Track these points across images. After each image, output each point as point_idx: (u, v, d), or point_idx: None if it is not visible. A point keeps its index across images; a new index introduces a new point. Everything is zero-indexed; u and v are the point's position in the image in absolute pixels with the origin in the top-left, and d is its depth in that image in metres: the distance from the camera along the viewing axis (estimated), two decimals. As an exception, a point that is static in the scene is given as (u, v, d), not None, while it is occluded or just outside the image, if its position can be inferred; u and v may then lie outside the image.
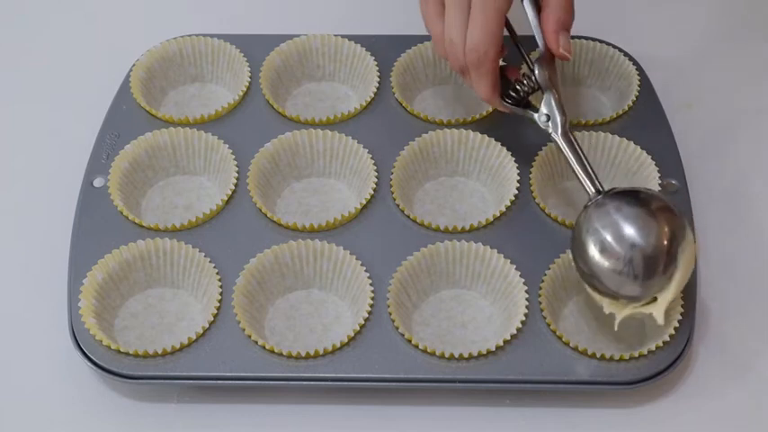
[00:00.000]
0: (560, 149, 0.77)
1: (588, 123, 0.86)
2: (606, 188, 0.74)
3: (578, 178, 0.75)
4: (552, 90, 0.77)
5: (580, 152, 0.76)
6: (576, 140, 0.77)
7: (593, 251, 0.72)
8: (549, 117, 0.77)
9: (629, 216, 0.72)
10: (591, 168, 0.76)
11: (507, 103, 0.79)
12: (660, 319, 0.71)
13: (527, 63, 0.80)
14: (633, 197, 0.73)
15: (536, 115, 0.78)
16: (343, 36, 0.90)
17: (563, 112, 0.77)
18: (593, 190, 0.74)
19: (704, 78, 0.93)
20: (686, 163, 0.84)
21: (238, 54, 0.90)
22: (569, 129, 0.77)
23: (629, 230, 0.71)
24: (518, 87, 0.78)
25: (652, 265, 0.71)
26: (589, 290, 0.73)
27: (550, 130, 0.77)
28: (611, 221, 0.72)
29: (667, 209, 0.72)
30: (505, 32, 0.78)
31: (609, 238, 0.71)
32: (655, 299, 0.72)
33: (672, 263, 0.71)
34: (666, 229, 0.71)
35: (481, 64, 0.76)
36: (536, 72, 0.77)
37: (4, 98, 0.94)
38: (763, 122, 0.90)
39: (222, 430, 0.75)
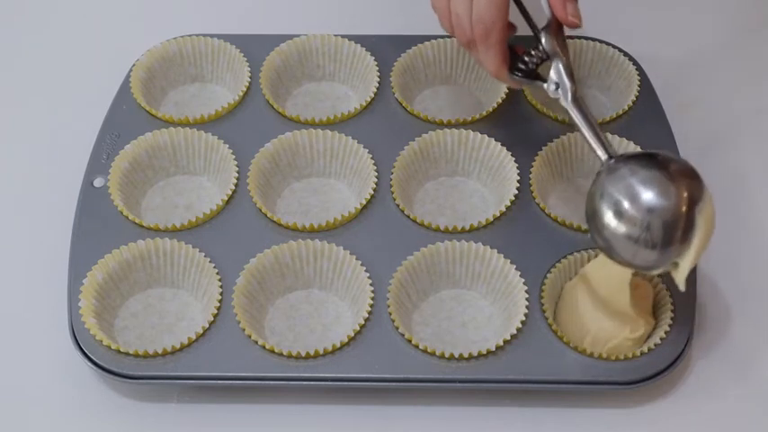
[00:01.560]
0: (570, 116, 0.75)
1: (588, 123, 0.86)
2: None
3: (589, 144, 0.73)
4: (561, 57, 0.76)
5: (591, 118, 0.74)
6: (585, 106, 0.75)
7: (609, 217, 0.69)
8: (558, 85, 0.75)
9: (645, 179, 0.69)
10: (602, 134, 0.73)
11: (517, 76, 0.78)
12: (682, 286, 0.69)
13: (534, 32, 0.78)
14: (648, 160, 0.71)
15: (545, 85, 0.76)
16: (343, 36, 0.90)
17: (572, 79, 0.75)
18: (606, 155, 0.72)
19: (704, 78, 0.93)
20: (686, 163, 0.84)
21: (238, 54, 0.90)
22: (580, 95, 0.75)
23: (646, 194, 0.68)
24: (526, 59, 0.77)
25: (671, 231, 0.68)
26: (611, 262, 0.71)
27: (560, 98, 0.75)
28: (626, 185, 0.69)
29: (684, 170, 0.69)
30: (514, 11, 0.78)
31: (624, 202, 0.69)
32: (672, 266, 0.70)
33: (690, 228, 0.68)
34: (685, 192, 0.68)
35: (488, 35, 0.74)
36: (543, 40, 0.76)
37: (4, 98, 0.94)
38: (763, 122, 0.90)
39: (222, 430, 0.75)
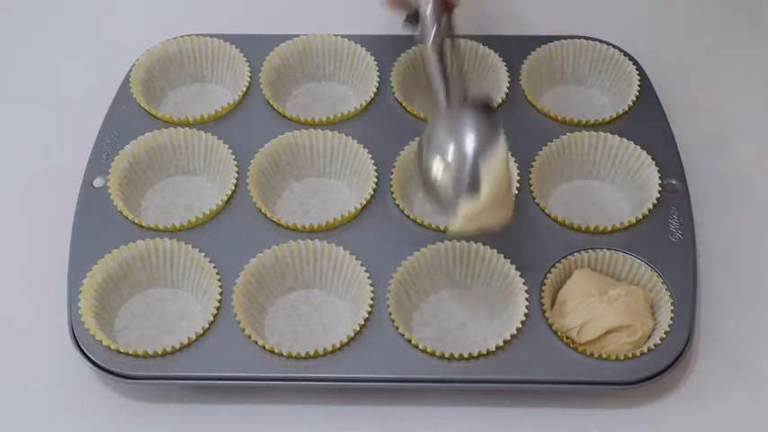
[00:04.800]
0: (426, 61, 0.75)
1: (588, 123, 0.86)
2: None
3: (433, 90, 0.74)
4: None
5: (451, 70, 0.74)
6: (455, 59, 0.76)
7: (430, 154, 0.71)
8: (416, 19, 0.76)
9: (446, 128, 0.71)
10: (458, 86, 0.74)
11: (410, 24, 0.78)
12: (449, 228, 0.71)
13: None
14: (462, 110, 0.72)
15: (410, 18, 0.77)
16: (343, 36, 0.90)
17: (436, 21, 0.75)
18: (445, 104, 0.73)
19: (704, 78, 0.93)
20: (686, 163, 0.84)
21: (238, 54, 0.90)
22: (451, 44, 0.75)
23: (445, 142, 0.70)
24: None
25: (458, 178, 0.70)
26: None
27: (424, 42, 0.75)
28: (431, 134, 0.71)
29: (484, 122, 0.71)
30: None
31: (426, 148, 0.71)
32: None
33: (475, 178, 0.69)
34: (473, 143, 0.70)
35: None
36: None
37: (3, 98, 0.94)
38: (763, 122, 0.90)
39: (222, 430, 0.75)
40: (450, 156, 0.71)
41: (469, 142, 0.70)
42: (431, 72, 0.74)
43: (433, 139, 0.72)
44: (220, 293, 0.77)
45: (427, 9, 0.75)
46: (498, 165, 0.70)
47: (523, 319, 0.75)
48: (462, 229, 0.71)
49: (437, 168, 0.71)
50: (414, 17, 0.78)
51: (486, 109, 0.72)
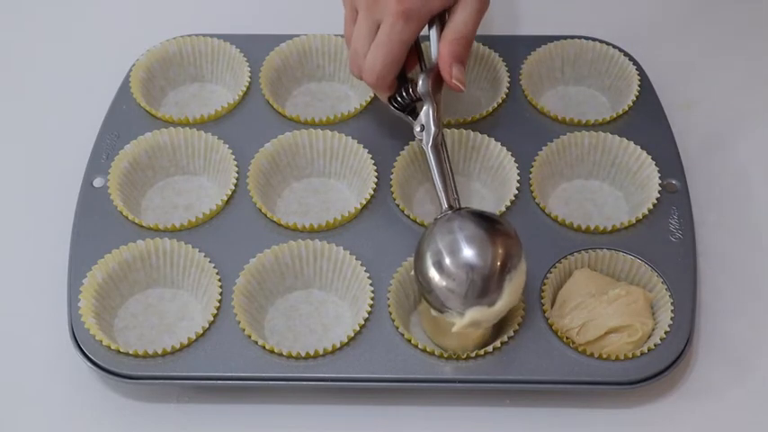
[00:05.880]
0: (427, 160, 0.76)
1: (588, 123, 0.86)
2: (464, 205, 0.75)
3: (436, 192, 0.75)
4: (432, 102, 0.77)
5: (446, 166, 0.76)
6: (445, 155, 0.77)
7: (428, 261, 0.71)
8: (423, 127, 0.77)
9: (469, 236, 0.71)
10: (453, 185, 0.75)
11: (393, 106, 0.79)
12: (455, 328, 0.71)
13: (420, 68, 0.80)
14: (480, 220, 0.72)
15: (414, 123, 0.78)
16: (343, 36, 0.90)
17: (438, 126, 0.77)
18: (446, 205, 0.74)
19: (704, 78, 0.93)
20: (686, 163, 0.84)
21: (238, 54, 0.90)
22: (442, 142, 0.77)
23: (466, 251, 0.71)
24: (404, 95, 0.79)
25: (476, 289, 0.70)
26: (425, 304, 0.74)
27: (423, 141, 0.77)
28: (452, 239, 0.71)
29: (509, 238, 0.72)
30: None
31: (445, 253, 0.71)
32: None
33: (498, 291, 0.70)
34: (500, 258, 0.70)
35: (377, 86, 0.77)
36: (420, 83, 0.77)
37: (3, 98, 0.94)
38: (763, 122, 0.90)
39: (222, 430, 0.75)
40: (466, 260, 0.70)
41: (492, 254, 0.70)
42: (431, 172, 0.76)
43: (441, 236, 0.72)
44: (220, 293, 0.77)
45: (429, 112, 0.77)
46: (519, 284, 0.71)
47: (523, 319, 0.75)
48: (465, 329, 0.71)
49: (448, 269, 0.71)
50: (401, 99, 0.79)
51: (494, 219, 0.73)
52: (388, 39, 0.75)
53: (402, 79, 0.79)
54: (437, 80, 0.77)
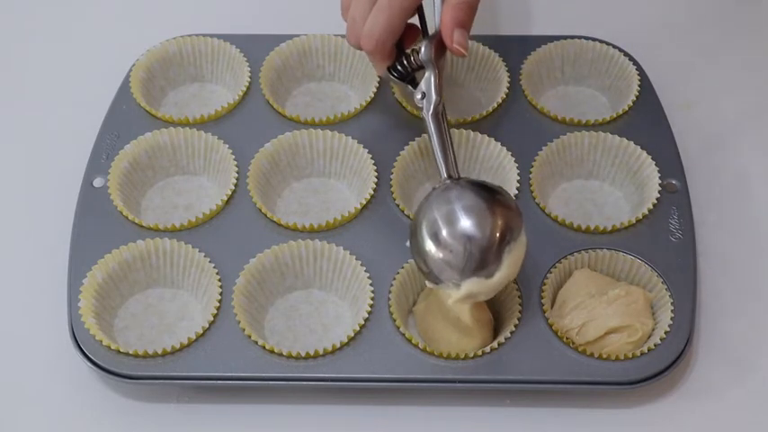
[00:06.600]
0: (426, 129, 0.75)
1: (588, 123, 0.86)
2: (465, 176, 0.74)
3: (435, 161, 0.74)
4: (434, 69, 0.76)
5: (446, 135, 0.75)
6: (445, 124, 0.75)
7: (425, 232, 0.70)
8: (424, 95, 0.76)
9: (466, 207, 0.70)
10: (453, 155, 0.74)
11: (393, 75, 0.79)
12: (451, 301, 0.70)
13: (423, 35, 0.79)
14: (479, 189, 0.71)
15: (415, 91, 0.77)
16: (343, 36, 0.90)
17: (439, 93, 0.76)
18: (445, 175, 0.73)
19: (704, 78, 0.93)
20: (686, 163, 0.84)
21: (238, 54, 0.90)
22: (443, 112, 0.76)
23: (463, 221, 0.70)
24: (405, 63, 0.78)
25: (474, 261, 0.69)
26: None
27: (423, 108, 0.76)
28: (448, 209, 0.70)
29: (510, 209, 0.71)
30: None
31: (441, 224, 0.70)
32: None
33: (497, 262, 0.69)
34: (499, 229, 0.69)
35: (376, 51, 0.76)
36: (422, 50, 0.76)
37: (3, 98, 0.94)
38: (764, 122, 0.90)
39: (222, 430, 0.75)
40: (463, 231, 0.69)
41: (492, 225, 0.69)
42: (431, 141, 0.75)
43: (437, 206, 0.71)
44: (220, 293, 0.77)
45: (431, 79, 0.76)
46: (519, 256, 0.70)
47: (523, 318, 0.75)
48: (461, 301, 0.71)
49: (444, 240, 0.70)
50: (401, 68, 0.78)
51: (494, 189, 0.72)
52: (389, 4, 0.74)
53: (400, 52, 0.78)
54: (439, 47, 0.76)
